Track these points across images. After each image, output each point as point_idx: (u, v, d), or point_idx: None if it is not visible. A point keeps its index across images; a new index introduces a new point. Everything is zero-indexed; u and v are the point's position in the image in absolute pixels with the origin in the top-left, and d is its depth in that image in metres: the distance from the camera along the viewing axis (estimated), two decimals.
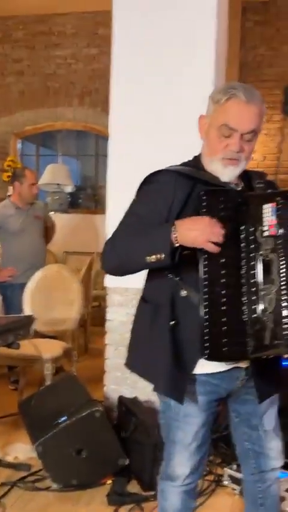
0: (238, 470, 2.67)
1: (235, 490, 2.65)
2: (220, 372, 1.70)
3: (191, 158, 1.81)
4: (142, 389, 3.16)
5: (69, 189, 7.24)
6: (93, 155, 7.98)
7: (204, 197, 1.57)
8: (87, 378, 3.91)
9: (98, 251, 5.96)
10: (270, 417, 1.85)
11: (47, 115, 6.90)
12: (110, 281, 3.20)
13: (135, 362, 1.85)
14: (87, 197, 7.77)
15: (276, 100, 5.70)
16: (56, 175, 6.97)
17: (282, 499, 2.41)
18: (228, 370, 1.70)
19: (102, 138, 7.02)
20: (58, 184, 7.00)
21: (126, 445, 2.79)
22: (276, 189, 1.85)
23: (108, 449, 2.72)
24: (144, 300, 1.80)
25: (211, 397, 1.75)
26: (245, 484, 1.99)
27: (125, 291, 3.18)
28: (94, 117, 6.67)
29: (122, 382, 3.21)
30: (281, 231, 1.52)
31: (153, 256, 1.59)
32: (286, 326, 1.50)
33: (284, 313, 1.51)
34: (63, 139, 8.11)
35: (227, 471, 2.70)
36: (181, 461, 1.78)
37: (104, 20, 6.01)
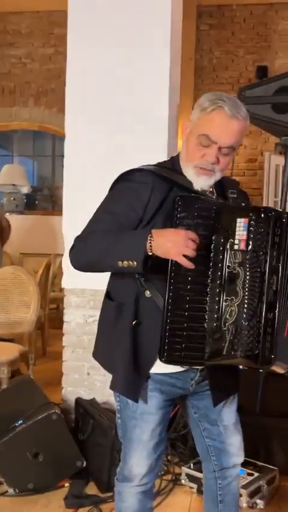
0: (195, 468, 2.70)
1: (193, 488, 2.67)
2: (175, 372, 1.72)
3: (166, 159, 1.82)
4: (100, 391, 3.15)
5: (25, 189, 7.15)
6: (50, 156, 7.91)
7: (180, 202, 1.59)
8: (46, 380, 3.87)
9: (56, 252, 5.94)
10: (229, 412, 1.87)
11: (2, 115, 6.80)
12: (67, 282, 3.18)
13: (99, 354, 1.86)
14: (44, 198, 7.70)
15: None
16: (11, 176, 6.87)
17: (239, 496, 2.44)
18: (184, 370, 1.72)
19: (59, 138, 6.97)
20: (14, 185, 6.90)
21: (84, 447, 2.77)
22: (247, 199, 1.89)
23: (66, 452, 2.71)
24: (109, 297, 1.79)
25: (167, 395, 1.76)
26: (206, 481, 2.00)
27: (82, 292, 3.17)
28: (50, 117, 6.62)
29: (79, 384, 3.19)
30: (250, 247, 1.55)
31: (125, 262, 1.59)
32: (245, 339, 1.55)
33: (244, 326, 1.55)
34: (19, 140, 8.01)
35: (185, 470, 2.72)
36: (138, 460, 1.78)
37: (59, 19, 5.98)
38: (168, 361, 1.61)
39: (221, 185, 1.76)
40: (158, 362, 1.67)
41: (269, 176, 5.75)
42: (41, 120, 6.87)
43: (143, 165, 1.76)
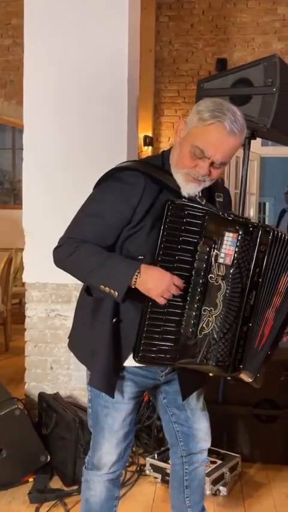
0: (159, 459, 2.73)
1: (157, 478, 2.70)
2: (147, 366, 1.74)
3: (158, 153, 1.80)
4: (63, 385, 3.14)
5: None
6: (10, 148, 7.79)
7: (170, 207, 1.58)
8: (9, 376, 3.84)
9: (17, 247, 5.84)
10: (196, 397, 1.92)
11: None
12: (28, 276, 3.15)
13: (75, 346, 1.87)
14: (5, 191, 7.59)
15: (192, 95, 5.80)
16: None
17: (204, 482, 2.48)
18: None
19: (20, 130, 6.85)
20: None
21: (48, 441, 2.76)
22: (230, 198, 1.91)
23: (29, 447, 2.69)
24: (87, 292, 1.78)
25: (139, 386, 1.80)
26: (173, 467, 2.03)
27: (43, 287, 3.14)
28: (9, 109, 6.51)
29: (42, 379, 3.17)
30: (235, 262, 1.58)
31: (107, 289, 1.61)
32: (218, 350, 1.61)
33: (219, 338, 1.60)
34: None
35: (149, 460, 2.74)
36: (108, 448, 1.80)
37: (16, 9, 5.87)
38: (141, 361, 1.65)
39: (209, 187, 1.74)
40: (131, 357, 1.69)
41: (229, 168, 5.81)
42: (0, 113, 6.76)
43: (133, 162, 1.74)
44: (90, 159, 2.94)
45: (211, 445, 2.70)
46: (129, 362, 1.70)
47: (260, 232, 1.59)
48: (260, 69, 2.60)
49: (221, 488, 2.59)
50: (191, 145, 1.61)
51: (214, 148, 1.58)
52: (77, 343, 1.87)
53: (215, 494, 2.57)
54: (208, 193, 1.75)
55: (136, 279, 1.57)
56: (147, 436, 3.04)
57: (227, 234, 1.58)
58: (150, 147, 6.28)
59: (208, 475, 2.54)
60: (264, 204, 12.57)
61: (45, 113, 3.05)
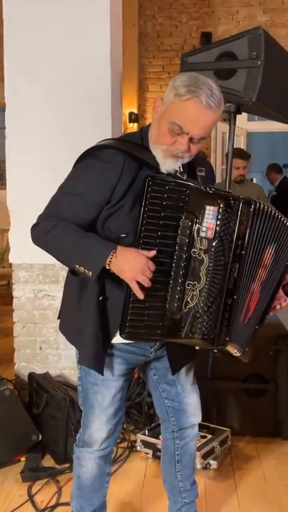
0: (150, 435, 2.75)
1: (148, 454, 2.73)
2: (135, 342, 1.75)
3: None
4: (53, 365, 3.15)
5: None
6: None
7: (150, 183, 1.57)
8: None
9: (3, 228, 5.76)
10: (186, 372, 1.93)
11: None
12: (15, 257, 3.13)
13: (65, 328, 1.87)
14: None
15: (177, 70, 5.73)
16: None
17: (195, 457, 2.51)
18: None
19: (2, 109, 6.74)
20: None
21: (39, 420, 2.78)
22: (212, 172, 1.90)
23: (20, 427, 2.70)
24: (72, 272, 1.77)
25: (129, 363, 1.80)
26: (164, 442, 2.06)
27: (30, 267, 3.12)
28: None
29: (32, 359, 3.17)
30: (216, 235, 1.57)
31: (82, 268, 1.60)
32: (203, 323, 1.61)
33: (204, 311, 1.60)
34: None
35: (140, 437, 2.77)
36: (98, 425, 1.82)
37: None
38: (128, 337, 1.64)
39: (189, 162, 1.72)
40: (118, 334, 1.69)
41: (216, 144, 5.78)
42: None
43: (112, 140, 1.72)
44: (75, 138, 2.89)
45: (201, 420, 2.75)
46: (118, 339, 1.70)
47: (241, 204, 1.58)
48: (244, 42, 2.55)
49: (211, 461, 2.62)
50: (169, 122, 1.59)
51: (192, 123, 1.57)
52: (66, 324, 1.86)
53: (206, 467, 2.60)
54: (189, 168, 1.73)
55: (111, 259, 1.56)
56: (137, 412, 3.07)
57: (207, 207, 1.57)
58: (135, 124, 6.21)
59: (199, 449, 2.57)
60: (252, 179, 12.58)
61: (27, 91, 2.99)
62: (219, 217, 1.57)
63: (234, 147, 4.15)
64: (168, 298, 1.63)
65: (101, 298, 1.68)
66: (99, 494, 1.91)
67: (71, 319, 1.82)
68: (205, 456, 2.59)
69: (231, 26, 6.12)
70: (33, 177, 3.01)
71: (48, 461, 2.71)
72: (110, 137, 2.52)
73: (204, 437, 2.70)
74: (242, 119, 5.83)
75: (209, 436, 2.71)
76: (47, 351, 3.17)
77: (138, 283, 1.55)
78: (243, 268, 1.64)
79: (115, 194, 1.62)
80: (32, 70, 2.98)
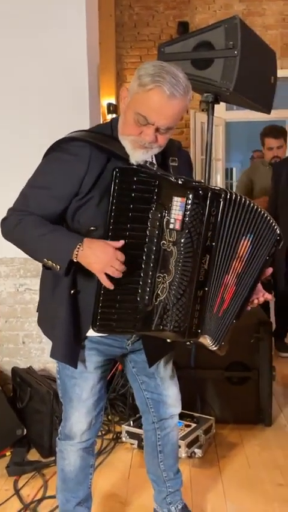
0: (135, 425, 2.76)
1: (133, 444, 2.74)
2: (109, 335, 1.74)
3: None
4: (36, 359, 3.14)
5: None
6: None
7: (118, 175, 1.54)
8: None
9: None
10: (165, 365, 1.94)
11: None
12: None
13: (41, 322, 1.86)
14: None
15: (154, 60, 5.74)
16: None
17: (178, 447, 2.53)
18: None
19: None
20: None
21: (23, 415, 2.77)
22: (188, 161, 1.86)
23: (4, 422, 2.69)
24: (45, 266, 1.75)
25: (105, 355, 1.80)
26: (146, 433, 2.07)
27: (11, 262, 3.10)
28: None
29: (15, 354, 3.16)
30: (185, 227, 1.56)
31: (50, 262, 1.59)
32: (174, 316, 1.60)
33: (174, 304, 1.59)
34: None
35: (125, 428, 2.78)
36: (78, 418, 1.82)
37: None
38: (100, 330, 1.63)
39: (162, 152, 1.70)
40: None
41: (195, 134, 5.78)
42: None
43: (80, 131, 1.70)
44: (52, 130, 2.86)
45: (185, 409, 2.77)
46: (92, 332, 1.69)
47: (210, 194, 1.56)
48: (220, 32, 2.55)
49: (196, 450, 2.65)
50: (134, 113, 1.57)
51: (156, 114, 1.54)
52: (42, 317, 1.86)
53: (191, 456, 2.63)
54: (162, 157, 1.71)
55: (78, 252, 1.55)
56: (122, 404, 3.08)
57: (175, 198, 1.55)
58: (114, 115, 6.18)
59: (183, 438, 2.59)
60: (231, 169, 12.57)
61: (1, 82, 2.95)
62: (187, 208, 1.55)
63: (267, 126, 4.14)
64: (139, 290, 1.62)
65: (72, 291, 1.67)
66: (84, 486, 1.92)
67: (45, 313, 1.82)
68: (190, 445, 2.61)
69: (208, 15, 6.11)
70: (9, 168, 2.97)
71: (33, 455, 2.71)
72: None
73: (189, 426, 2.72)
74: (220, 108, 5.84)
75: (193, 425, 2.73)
76: (30, 345, 3.16)
77: (108, 275, 1.53)
78: (214, 260, 1.62)
79: (83, 186, 1.61)
80: (7, 61, 2.94)
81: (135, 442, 2.72)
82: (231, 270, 1.66)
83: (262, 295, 1.77)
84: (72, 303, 1.68)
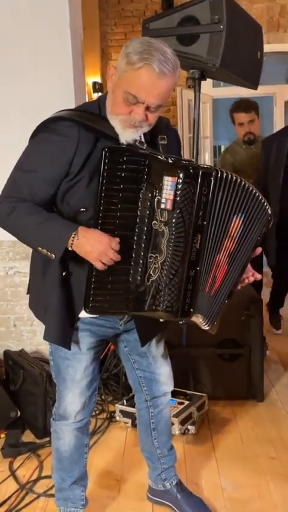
0: (128, 404, 2.78)
1: (127, 423, 2.77)
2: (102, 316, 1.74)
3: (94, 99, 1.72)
4: (28, 341, 3.15)
5: None
6: None
7: (107, 154, 1.52)
8: None
9: None
10: (157, 343, 1.95)
11: None
12: None
13: (33, 305, 1.85)
14: None
15: (139, 37, 5.65)
16: None
17: (171, 424, 2.56)
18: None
19: None
20: None
21: (17, 397, 2.78)
22: (177, 138, 1.84)
23: None
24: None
25: (98, 335, 1.80)
26: (139, 412, 2.09)
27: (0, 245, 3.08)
28: None
29: (7, 337, 3.16)
30: (176, 207, 1.54)
31: (44, 251, 1.58)
32: (166, 296, 1.60)
33: (166, 284, 1.59)
34: None
35: (118, 407, 2.80)
36: (72, 398, 1.83)
37: None
38: (92, 312, 1.63)
39: (151, 130, 1.68)
40: None
41: (182, 112, 5.72)
42: None
43: (68, 110, 1.66)
44: (37, 111, 2.83)
45: (178, 387, 2.79)
46: (84, 313, 1.69)
47: (201, 173, 1.55)
48: (205, 6, 2.50)
49: (189, 427, 2.67)
50: (123, 92, 1.55)
51: (146, 92, 1.52)
52: (33, 300, 1.85)
53: (184, 433, 2.65)
54: (151, 136, 1.69)
55: (73, 241, 1.54)
56: (115, 383, 3.10)
57: (166, 178, 1.54)
58: (99, 93, 6.11)
59: (176, 415, 2.62)
60: (220, 147, 12.52)
61: None
62: (178, 187, 1.53)
63: (236, 100, 3.74)
64: (131, 271, 1.61)
65: (64, 273, 1.66)
66: (79, 465, 1.94)
67: (37, 295, 1.81)
68: (183, 422, 2.64)
69: None
70: None
71: (28, 437, 2.72)
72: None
73: (182, 403, 2.74)
74: (207, 85, 5.76)
75: (186, 403, 2.76)
76: (22, 328, 3.16)
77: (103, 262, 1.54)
78: (206, 239, 1.61)
79: (73, 167, 1.59)
80: None
81: (129, 420, 2.75)
82: (223, 249, 1.65)
83: (252, 275, 1.77)
84: (64, 285, 1.67)
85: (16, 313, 3.14)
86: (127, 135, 1.59)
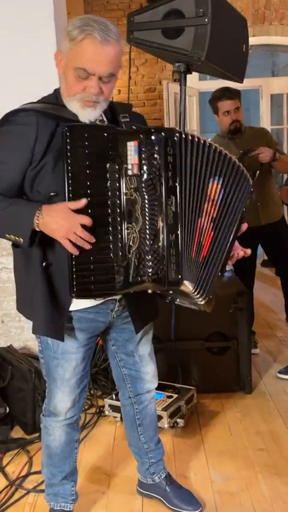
0: (117, 399, 2.77)
1: (116, 417, 2.77)
2: (94, 306, 1.73)
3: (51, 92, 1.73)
4: (16, 337, 3.13)
5: None
6: None
7: (68, 133, 1.51)
8: None
9: None
10: (145, 343, 1.95)
11: None
12: None
13: (19, 305, 1.83)
14: None
15: (125, 30, 5.60)
16: None
17: (160, 417, 2.57)
18: (102, 303, 1.74)
19: None
20: None
21: (5, 393, 2.77)
22: (143, 122, 1.83)
23: None
24: (14, 245, 1.73)
25: (88, 333, 1.78)
26: (123, 408, 2.10)
27: None
28: None
29: None
30: (143, 170, 1.52)
31: (12, 236, 1.56)
32: (149, 263, 1.55)
33: (147, 250, 1.55)
34: None
35: (107, 401, 2.80)
36: (62, 396, 1.82)
37: None
38: (79, 296, 1.59)
39: (112, 111, 1.71)
40: (75, 300, 1.67)
41: (168, 105, 5.71)
42: None
43: (27, 103, 1.67)
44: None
45: (167, 381, 2.80)
46: (75, 306, 1.69)
47: (163, 134, 1.54)
48: None
49: (178, 420, 2.68)
50: (73, 69, 1.56)
51: (94, 62, 1.54)
52: (20, 302, 1.83)
53: (173, 426, 2.67)
54: (112, 114, 1.71)
55: (38, 221, 1.52)
56: (104, 378, 3.11)
57: (128, 143, 1.53)
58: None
59: (165, 409, 2.63)
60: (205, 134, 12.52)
61: None
62: (142, 150, 1.52)
63: (217, 89, 3.42)
64: (111, 247, 1.57)
65: (44, 264, 1.65)
66: (69, 460, 1.94)
67: (23, 296, 1.79)
68: (172, 415, 2.65)
69: None
70: None
71: (17, 433, 2.72)
72: None
73: (170, 397, 2.76)
74: (193, 78, 5.76)
75: (175, 396, 2.77)
76: (10, 324, 3.14)
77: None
78: (182, 202, 1.57)
79: (35, 154, 1.59)
80: None
81: (118, 415, 2.75)
82: (204, 213, 1.62)
83: (241, 250, 1.77)
84: (46, 276, 1.66)
85: (4, 310, 3.13)
86: (87, 113, 1.60)
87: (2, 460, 2.50)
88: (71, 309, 1.70)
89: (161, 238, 1.55)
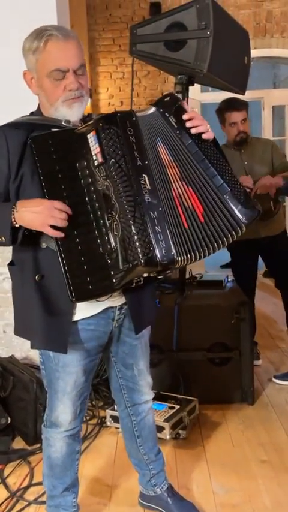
0: None
1: (118, 428, 2.75)
2: (94, 316, 1.73)
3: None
4: (18, 347, 3.13)
5: None
6: None
7: (33, 145, 1.56)
8: None
9: None
10: (144, 357, 1.96)
11: None
12: None
13: (17, 326, 1.82)
14: None
15: (127, 42, 5.63)
16: None
17: (161, 428, 2.56)
18: (102, 311, 1.74)
19: None
20: None
21: (7, 404, 2.77)
22: None
23: None
24: (12, 263, 1.76)
25: (90, 344, 1.78)
26: (121, 420, 2.10)
27: None
28: None
29: None
30: (107, 156, 1.53)
31: None
32: (136, 244, 1.48)
33: (131, 233, 1.49)
34: None
35: (109, 412, 2.79)
36: (64, 409, 1.82)
37: None
38: (80, 298, 1.58)
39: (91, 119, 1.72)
40: (78, 308, 1.68)
41: None
42: None
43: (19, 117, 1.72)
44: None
45: (169, 391, 2.79)
46: (77, 316, 1.69)
47: (118, 115, 1.55)
48: (192, 12, 2.52)
49: (180, 431, 2.67)
50: (47, 76, 1.62)
51: (64, 58, 1.60)
52: (20, 323, 1.80)
53: (175, 437, 2.65)
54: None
55: (14, 215, 1.53)
56: (106, 389, 3.09)
57: (89, 136, 1.57)
58: (89, 100, 6.11)
59: (167, 420, 2.61)
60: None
61: None
62: (101, 137, 1.54)
63: (224, 99, 3.39)
64: (99, 241, 1.55)
65: (37, 277, 1.66)
66: (71, 472, 1.93)
67: (21, 319, 1.78)
68: (174, 427, 2.64)
69: None
70: None
71: (18, 443, 2.71)
72: None
73: (172, 408, 2.74)
74: (195, 90, 5.80)
75: (177, 407, 2.75)
76: (11, 334, 3.10)
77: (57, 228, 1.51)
78: (153, 177, 1.55)
79: (12, 166, 1.61)
80: None
81: (120, 426, 2.74)
82: (172, 179, 1.58)
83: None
84: (40, 289, 1.66)
85: (6, 319, 3.13)
86: (76, 109, 1.66)
87: (3, 471, 2.48)
88: (75, 319, 1.69)
89: (140, 218, 1.50)
